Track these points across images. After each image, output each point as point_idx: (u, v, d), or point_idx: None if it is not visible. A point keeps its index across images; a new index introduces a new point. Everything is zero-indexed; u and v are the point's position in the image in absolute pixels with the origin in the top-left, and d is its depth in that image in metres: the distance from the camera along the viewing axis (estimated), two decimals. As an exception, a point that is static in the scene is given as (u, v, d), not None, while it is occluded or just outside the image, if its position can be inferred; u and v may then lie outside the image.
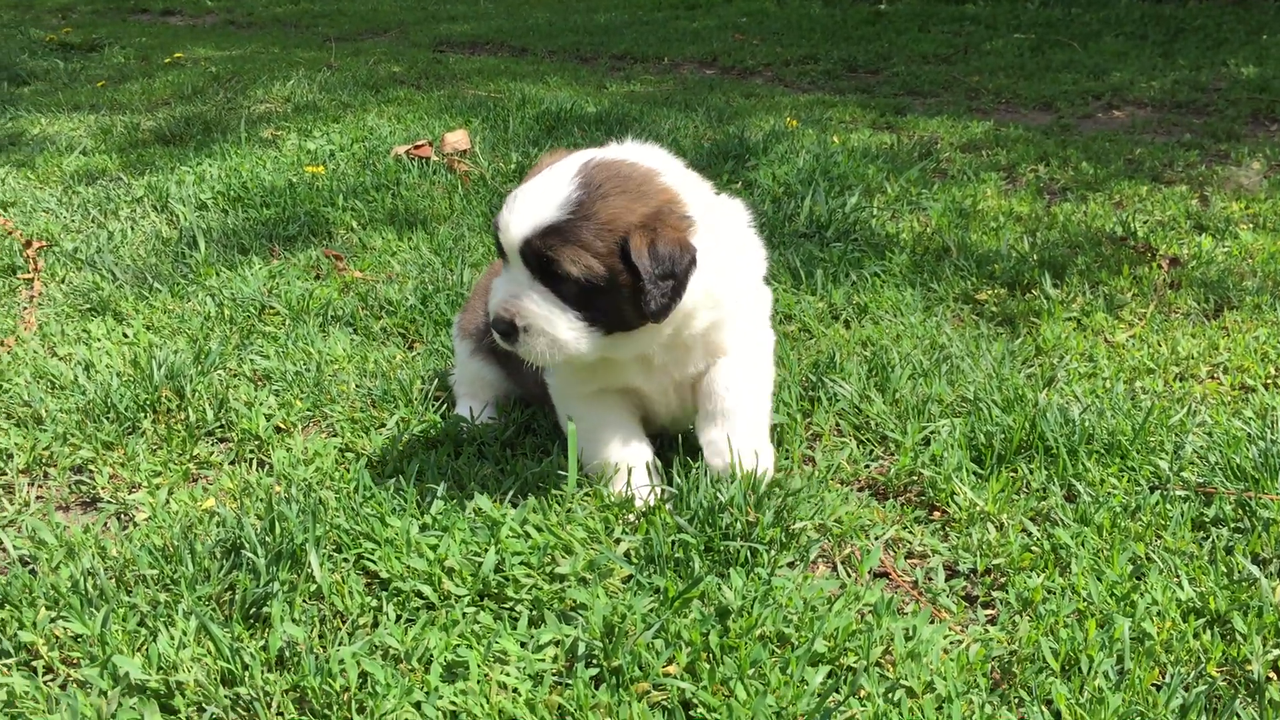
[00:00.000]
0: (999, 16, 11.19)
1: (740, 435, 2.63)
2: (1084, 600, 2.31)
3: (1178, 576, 2.36)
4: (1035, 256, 4.22)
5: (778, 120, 6.56)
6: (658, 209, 2.40)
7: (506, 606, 2.29)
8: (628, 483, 2.65)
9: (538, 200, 2.36)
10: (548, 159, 2.56)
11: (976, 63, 8.96)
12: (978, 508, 2.66)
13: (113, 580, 2.38)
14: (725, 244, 2.55)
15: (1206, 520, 2.58)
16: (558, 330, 2.38)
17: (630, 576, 2.36)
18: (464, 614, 2.24)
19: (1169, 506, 2.62)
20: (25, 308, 4.01)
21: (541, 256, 2.33)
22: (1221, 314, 3.75)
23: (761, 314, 2.78)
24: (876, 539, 2.60)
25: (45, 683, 2.12)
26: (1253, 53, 8.60)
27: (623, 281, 2.35)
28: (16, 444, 3.06)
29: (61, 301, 4.06)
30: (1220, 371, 3.37)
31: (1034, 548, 2.51)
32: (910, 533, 2.64)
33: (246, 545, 2.39)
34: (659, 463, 2.75)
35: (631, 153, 2.54)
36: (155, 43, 10.75)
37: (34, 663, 2.19)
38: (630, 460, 2.69)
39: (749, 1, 13.93)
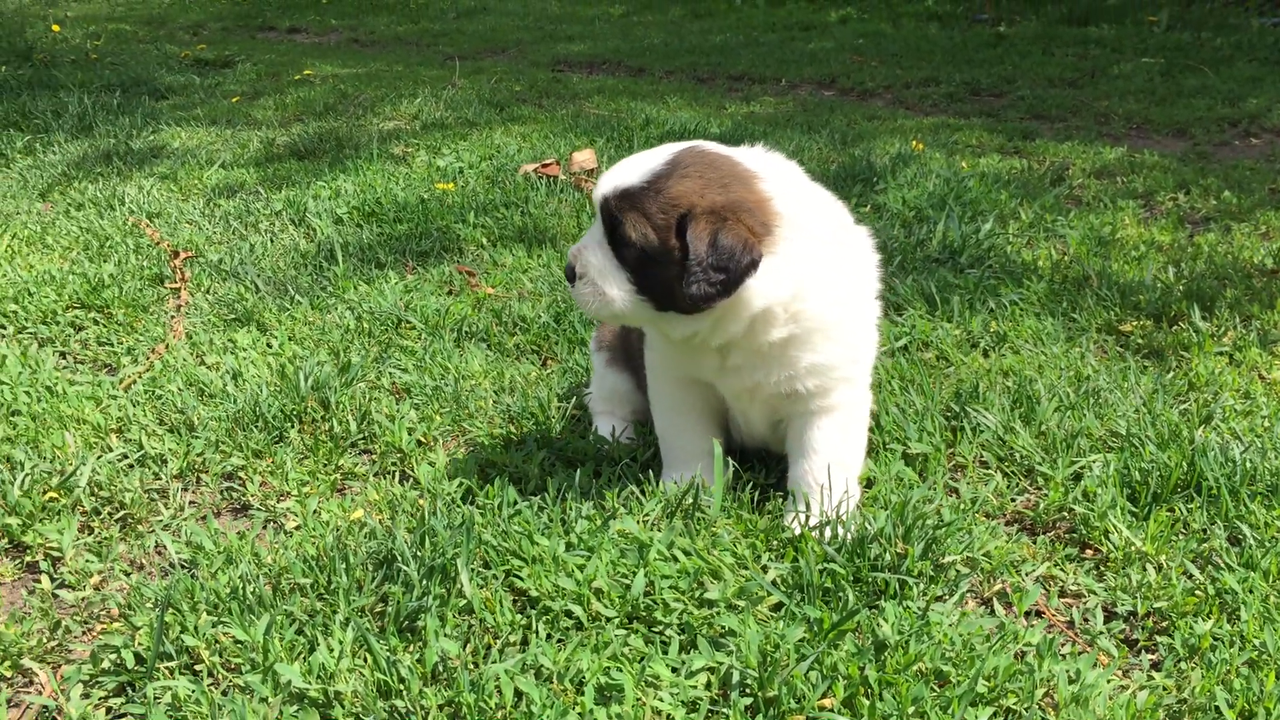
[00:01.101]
0: (1124, 40, 10.92)
1: (827, 471, 2.65)
2: (1256, 650, 2.22)
3: (1357, 629, 2.26)
4: (1181, 288, 4.09)
5: (903, 143, 6.48)
6: (735, 202, 2.41)
7: (656, 630, 2.28)
8: (695, 477, 2.72)
9: (627, 168, 2.49)
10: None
11: (1105, 87, 8.75)
12: (1134, 547, 2.58)
13: (269, 587, 2.43)
14: (826, 265, 2.52)
15: (1383, 570, 2.47)
16: (607, 285, 2.49)
17: (780, 604, 2.34)
18: (614, 636, 2.24)
19: (1341, 554, 2.51)
20: (173, 316, 4.14)
21: (612, 217, 2.45)
22: (1385, 353, 3.59)
23: (863, 360, 2.72)
24: (1028, 575, 2.54)
25: (208, 687, 2.17)
26: (1400, 79, 8.26)
27: (675, 259, 2.40)
28: (171, 449, 3.15)
29: (207, 311, 4.18)
30: (1388, 413, 3.22)
31: (1198, 592, 2.42)
32: (1062, 570, 2.57)
33: (399, 558, 2.43)
34: (732, 461, 2.80)
35: (749, 154, 2.56)
36: (284, 60, 11.05)
37: (196, 667, 2.24)
38: (697, 453, 2.78)
39: (864, 23, 13.82)
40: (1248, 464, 2.81)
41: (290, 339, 3.91)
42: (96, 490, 2.93)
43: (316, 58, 11.46)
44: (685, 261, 2.37)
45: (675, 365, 2.74)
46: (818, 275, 2.50)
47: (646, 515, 2.66)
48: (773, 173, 2.51)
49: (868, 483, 2.88)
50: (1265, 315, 3.86)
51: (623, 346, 3.13)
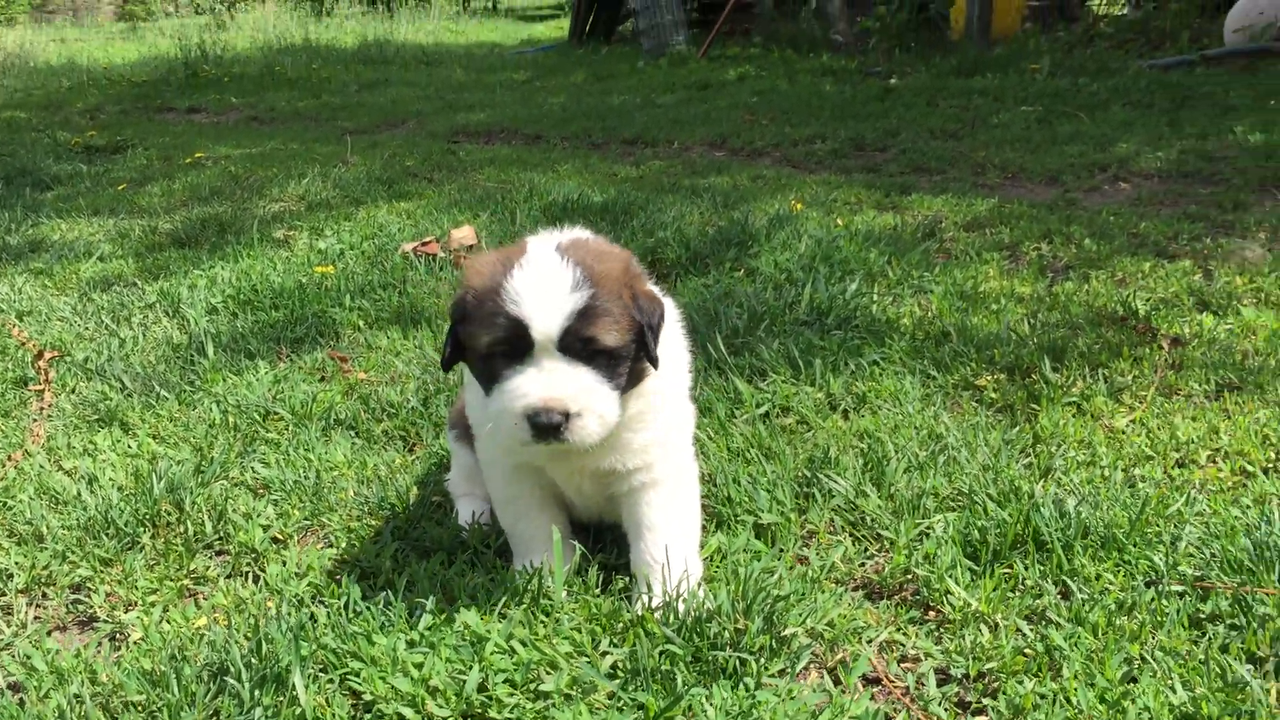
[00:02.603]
0: (1007, 89, 11.26)
1: (664, 550, 2.67)
2: (1075, 709, 2.27)
3: (1171, 680, 2.32)
4: (1035, 340, 4.21)
5: (782, 204, 6.61)
6: (626, 264, 2.52)
7: (489, 727, 2.28)
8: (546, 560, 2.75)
9: (552, 289, 2.36)
10: (496, 255, 2.53)
11: (984, 136, 9.01)
12: (971, 608, 2.63)
13: (99, 707, 2.39)
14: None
15: (1203, 617, 2.54)
16: (605, 406, 2.39)
17: (614, 693, 2.35)
18: (446, 736, 2.23)
19: (1165, 603, 2.58)
20: (35, 420, 4.07)
21: (580, 338, 2.35)
22: (1223, 395, 3.71)
23: (684, 430, 2.79)
24: (869, 642, 2.57)
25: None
26: (1260, 119, 8.60)
27: (632, 341, 2.44)
28: (17, 563, 3.08)
29: (71, 413, 4.12)
30: (1220, 457, 3.33)
31: (1028, 650, 2.48)
32: (904, 635, 2.61)
33: (232, 669, 2.39)
34: (577, 545, 2.82)
35: (577, 233, 2.66)
36: (178, 142, 10.99)
37: (17, 797, 2.19)
38: (544, 538, 2.78)
39: (761, 80, 14.11)
40: (1082, 517, 2.89)
41: (153, 438, 3.87)
42: (-66, 612, 2.86)
43: (212, 139, 11.41)
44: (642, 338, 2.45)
45: (507, 454, 2.73)
46: None
47: (493, 605, 2.65)
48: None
49: (720, 554, 2.91)
50: (1114, 364, 3.98)
51: (464, 420, 3.13)
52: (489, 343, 2.39)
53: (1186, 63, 11.98)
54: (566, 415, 2.34)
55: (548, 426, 2.33)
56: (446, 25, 32.66)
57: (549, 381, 2.35)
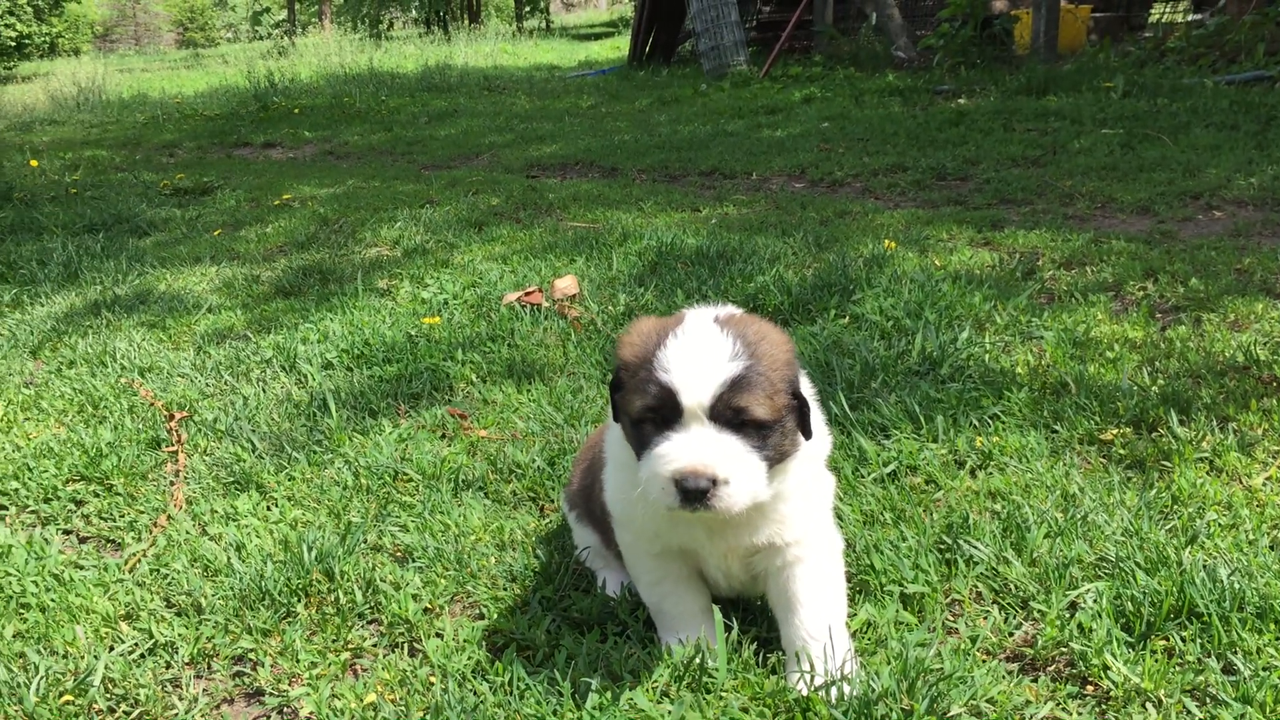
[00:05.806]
0: (1083, 110, 11.19)
1: (825, 627, 2.71)
2: (1260, 796, 2.27)
3: (1355, 767, 2.32)
4: (1157, 391, 4.19)
5: (875, 243, 6.62)
6: (787, 344, 2.56)
7: (674, 814, 2.32)
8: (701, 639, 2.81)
9: (705, 358, 2.41)
10: (651, 324, 2.60)
11: (1067, 164, 8.96)
12: (1132, 684, 2.64)
13: (291, 790, 2.47)
14: None
15: (1376, 697, 2.53)
16: (755, 476, 2.43)
17: (793, 778, 2.39)
18: (634, 824, 2.28)
19: (1334, 682, 2.57)
20: (173, 483, 4.19)
21: (731, 407, 2.39)
22: (1360, 452, 3.68)
23: (829, 502, 2.85)
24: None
25: None
26: (1353, 142, 8.48)
27: (787, 417, 2.49)
28: (180, 635, 3.19)
29: (206, 474, 4.24)
30: (1367, 520, 3.30)
31: (1199, 732, 2.48)
32: (1066, 711, 2.62)
33: (417, 753, 2.47)
34: (727, 619, 2.85)
35: (732, 310, 2.67)
36: (261, 182, 11.23)
37: None
38: (693, 613, 2.86)
39: (828, 103, 14.13)
40: (1236, 587, 2.88)
41: (289, 500, 3.97)
42: (110, 687, 2.96)
43: (294, 177, 11.64)
44: (799, 413, 2.52)
45: (654, 541, 2.77)
46: None
47: (654, 683, 2.71)
48: None
49: (869, 626, 2.94)
50: (1242, 416, 3.95)
51: (584, 502, 3.19)
52: (640, 409, 2.45)
53: (1265, 78, 11.82)
54: (714, 481, 2.37)
55: (695, 491, 2.36)
56: (503, 47, 33.04)
57: (697, 448, 2.39)
